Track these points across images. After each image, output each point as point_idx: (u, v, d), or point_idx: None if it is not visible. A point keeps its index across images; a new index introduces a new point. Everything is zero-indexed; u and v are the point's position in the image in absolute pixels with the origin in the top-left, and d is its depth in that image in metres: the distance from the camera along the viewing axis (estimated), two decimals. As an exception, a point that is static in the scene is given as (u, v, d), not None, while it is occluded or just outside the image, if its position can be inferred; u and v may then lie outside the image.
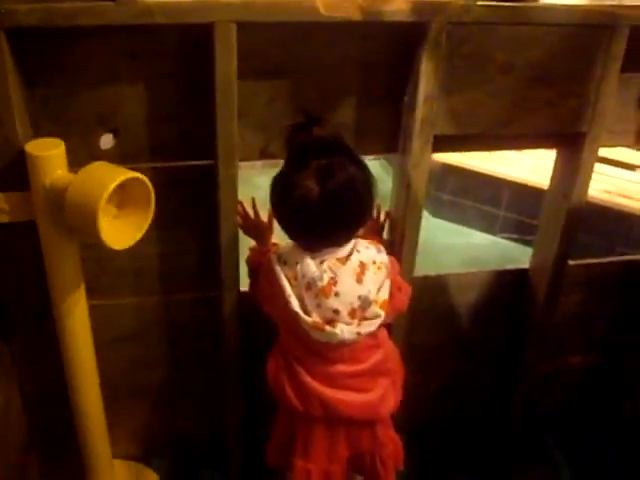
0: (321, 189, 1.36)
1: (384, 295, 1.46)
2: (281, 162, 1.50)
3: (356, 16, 1.46)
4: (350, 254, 1.45)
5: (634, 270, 2.12)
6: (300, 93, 1.59)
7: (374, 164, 4.10)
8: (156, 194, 1.41)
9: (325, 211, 1.38)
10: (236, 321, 1.78)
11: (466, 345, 2.08)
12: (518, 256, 3.50)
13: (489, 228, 3.84)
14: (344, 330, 1.43)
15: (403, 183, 1.70)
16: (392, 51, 1.58)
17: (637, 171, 3.89)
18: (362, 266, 1.44)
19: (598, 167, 3.78)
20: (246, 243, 1.70)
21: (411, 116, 1.60)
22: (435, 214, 3.87)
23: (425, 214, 3.78)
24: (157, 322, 1.82)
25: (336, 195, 1.37)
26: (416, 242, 1.75)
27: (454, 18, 1.50)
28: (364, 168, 1.43)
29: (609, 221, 3.57)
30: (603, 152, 3.71)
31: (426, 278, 1.92)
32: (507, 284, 2.01)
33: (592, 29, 1.60)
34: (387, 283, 1.47)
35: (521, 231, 3.71)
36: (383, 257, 1.48)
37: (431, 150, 1.64)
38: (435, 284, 1.94)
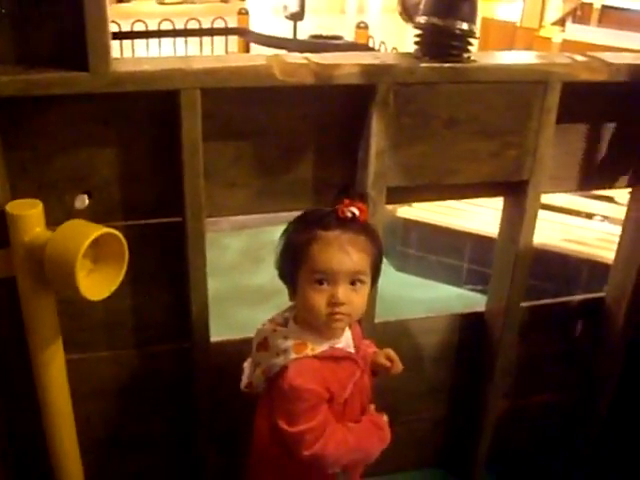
0: None
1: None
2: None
3: (310, 80, 1.58)
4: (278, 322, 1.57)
5: (587, 309, 2.24)
6: (262, 152, 1.71)
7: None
8: (129, 250, 1.50)
9: None
10: (208, 372, 1.86)
11: (429, 387, 2.16)
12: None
13: (454, 280, 3.93)
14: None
15: (360, 233, 1.80)
16: (345, 110, 1.70)
17: (593, 219, 4.05)
18: (265, 341, 1.54)
19: (557, 217, 3.97)
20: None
21: (365, 170, 1.72)
22: (400, 269, 3.96)
23: (390, 269, 3.91)
24: (132, 375, 1.88)
25: None
26: (375, 289, 1.85)
27: (400, 79, 1.64)
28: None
29: (569, 268, 3.69)
30: (561, 202, 3.92)
31: (387, 324, 2.01)
32: (465, 327, 2.11)
33: (527, 85, 1.74)
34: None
35: (485, 282, 3.80)
36: (279, 361, 1.47)
37: (384, 201, 1.75)
38: (396, 329, 2.04)
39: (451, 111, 1.72)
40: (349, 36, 6.15)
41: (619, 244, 2.16)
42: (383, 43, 5.34)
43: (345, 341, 1.55)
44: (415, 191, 1.82)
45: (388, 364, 1.65)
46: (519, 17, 7.04)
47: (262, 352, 1.52)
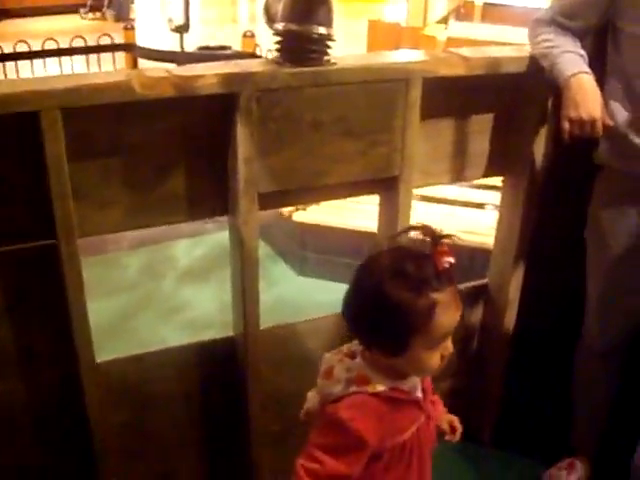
0: None
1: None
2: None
3: (171, 93, 1.58)
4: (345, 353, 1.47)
5: (472, 296, 2.32)
6: (132, 168, 1.69)
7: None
8: (4, 276, 1.47)
9: None
10: (98, 394, 1.83)
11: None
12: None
13: (355, 280, 3.97)
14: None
15: (237, 241, 1.82)
16: (212, 120, 1.71)
17: (485, 209, 4.15)
18: (330, 370, 1.45)
19: (450, 209, 4.07)
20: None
21: (234, 178, 1.73)
22: (302, 273, 3.98)
23: (291, 274, 3.92)
24: (21, 406, 1.83)
25: None
26: (257, 295, 1.86)
27: (262, 86, 1.66)
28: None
29: (464, 258, 3.78)
30: (453, 194, 4.02)
31: (275, 328, 2.02)
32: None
33: (389, 83, 1.78)
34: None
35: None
36: (337, 391, 1.39)
37: (257, 208, 1.77)
38: (283, 334, 2.05)
39: (316, 114, 1.74)
40: (239, 46, 6.14)
41: (497, 231, 2.23)
42: (270, 51, 5.37)
43: (411, 383, 1.45)
44: (289, 195, 1.83)
45: (447, 430, 1.62)
46: (405, 17, 7.16)
47: (325, 380, 1.44)
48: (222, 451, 2.13)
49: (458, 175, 2.06)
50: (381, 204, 2.01)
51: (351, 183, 1.88)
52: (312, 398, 1.53)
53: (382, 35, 6.81)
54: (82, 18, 12.05)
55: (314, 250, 3.99)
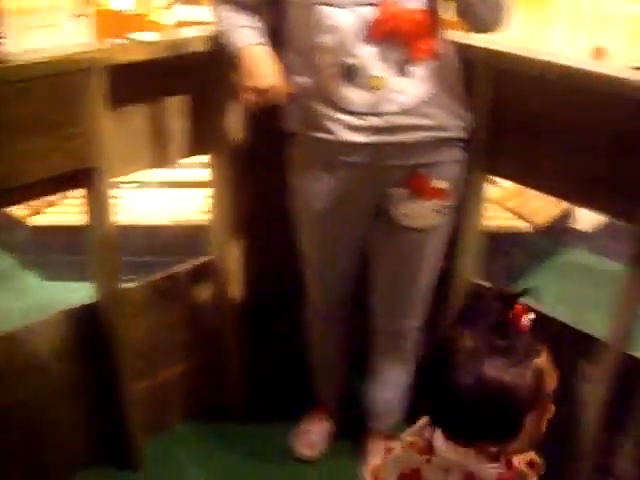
0: None
1: None
2: None
3: None
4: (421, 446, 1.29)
5: (200, 274, 2.36)
6: None
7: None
8: None
9: None
10: None
11: (58, 391, 2.14)
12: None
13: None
14: None
15: None
16: None
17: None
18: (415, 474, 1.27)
19: (183, 192, 4.08)
20: None
21: None
22: (48, 278, 3.87)
23: (38, 280, 3.79)
24: None
25: None
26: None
27: None
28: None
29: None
30: (193, 177, 4.04)
31: None
32: (80, 321, 2.11)
33: (71, 75, 1.76)
34: None
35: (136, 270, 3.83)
36: None
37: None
38: (7, 341, 1.98)
39: None
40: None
41: (212, 206, 2.28)
42: None
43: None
44: None
45: None
46: (131, 5, 7.13)
47: None
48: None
49: (161, 159, 2.07)
50: (86, 197, 1.98)
51: (51, 179, 1.83)
52: None
53: (111, 24, 6.71)
54: None
55: (56, 252, 3.89)
